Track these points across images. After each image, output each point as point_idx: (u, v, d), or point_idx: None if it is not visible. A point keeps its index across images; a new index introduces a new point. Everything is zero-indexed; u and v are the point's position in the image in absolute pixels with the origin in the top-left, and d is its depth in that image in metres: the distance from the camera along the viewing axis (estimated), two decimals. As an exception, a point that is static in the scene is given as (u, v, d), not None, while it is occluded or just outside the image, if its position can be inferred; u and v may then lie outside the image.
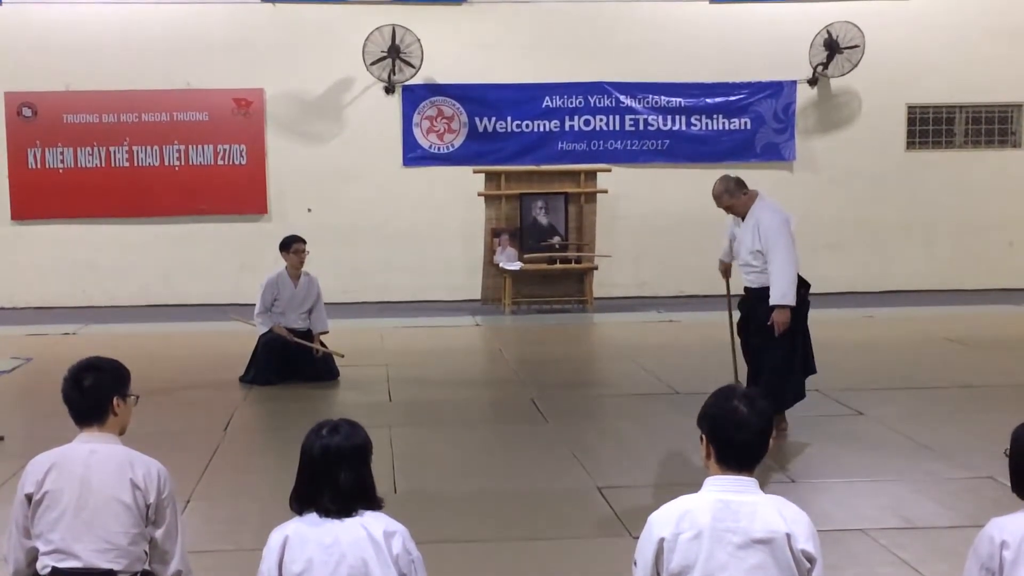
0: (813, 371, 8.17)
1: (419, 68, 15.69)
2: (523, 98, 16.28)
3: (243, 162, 16.09)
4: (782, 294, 7.71)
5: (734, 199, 7.92)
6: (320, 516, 3.44)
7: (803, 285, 7.98)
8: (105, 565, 3.82)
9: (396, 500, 5.91)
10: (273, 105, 16.07)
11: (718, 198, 7.98)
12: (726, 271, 8.58)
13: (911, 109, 16.83)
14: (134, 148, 15.93)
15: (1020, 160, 16.97)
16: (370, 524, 3.43)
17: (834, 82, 16.52)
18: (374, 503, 3.53)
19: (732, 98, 16.48)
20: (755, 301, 7.96)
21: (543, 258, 15.20)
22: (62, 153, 15.85)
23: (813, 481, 6.94)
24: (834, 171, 16.68)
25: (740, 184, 7.96)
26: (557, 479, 7.02)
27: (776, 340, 7.79)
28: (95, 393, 3.97)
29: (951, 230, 16.89)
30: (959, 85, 16.63)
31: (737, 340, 8.42)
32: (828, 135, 16.72)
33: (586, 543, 5.82)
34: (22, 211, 15.87)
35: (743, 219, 7.97)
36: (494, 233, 15.40)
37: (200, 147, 16.01)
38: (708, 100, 16.46)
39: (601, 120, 16.45)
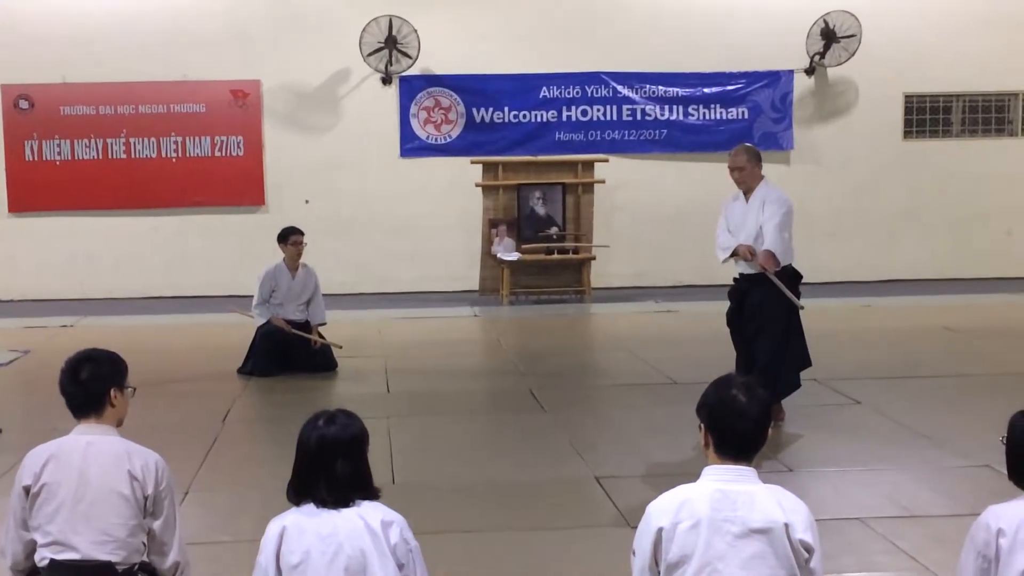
0: (808, 364, 8.16)
1: (416, 59, 15.67)
2: (520, 88, 16.26)
3: (240, 154, 16.07)
4: (774, 245, 7.73)
5: (750, 165, 7.93)
6: (317, 507, 3.45)
7: (795, 277, 8.01)
8: (103, 557, 3.83)
9: (394, 490, 5.92)
10: (270, 96, 16.04)
11: (736, 156, 7.98)
12: (749, 251, 7.91)
13: (908, 98, 16.82)
14: (131, 140, 15.91)
15: (1017, 149, 16.96)
16: (368, 514, 3.44)
17: (831, 71, 16.51)
18: (371, 493, 3.53)
19: (729, 88, 16.46)
20: (749, 286, 7.94)
21: (541, 248, 15.20)
22: (59, 145, 15.82)
23: (811, 470, 6.94)
24: (832, 160, 16.67)
25: (758, 157, 8.04)
26: (555, 469, 7.03)
27: (769, 329, 7.80)
28: (92, 385, 3.97)
29: (949, 219, 16.89)
30: (956, 74, 16.62)
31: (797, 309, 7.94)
32: (826, 125, 16.71)
33: (584, 533, 5.83)
34: (19, 203, 15.85)
35: (747, 197, 7.97)
36: (492, 224, 15.39)
37: (197, 139, 15.99)
38: (706, 90, 16.44)
39: (598, 110, 16.43)
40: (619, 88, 16.37)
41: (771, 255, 7.73)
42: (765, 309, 7.86)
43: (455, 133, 16.29)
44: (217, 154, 16.03)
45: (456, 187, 15.81)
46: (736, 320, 8.13)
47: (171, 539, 3.99)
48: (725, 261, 8.10)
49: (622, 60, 16.28)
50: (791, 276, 7.99)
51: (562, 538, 5.75)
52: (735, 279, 8.12)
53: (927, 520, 5.93)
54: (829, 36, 16.06)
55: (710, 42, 16.26)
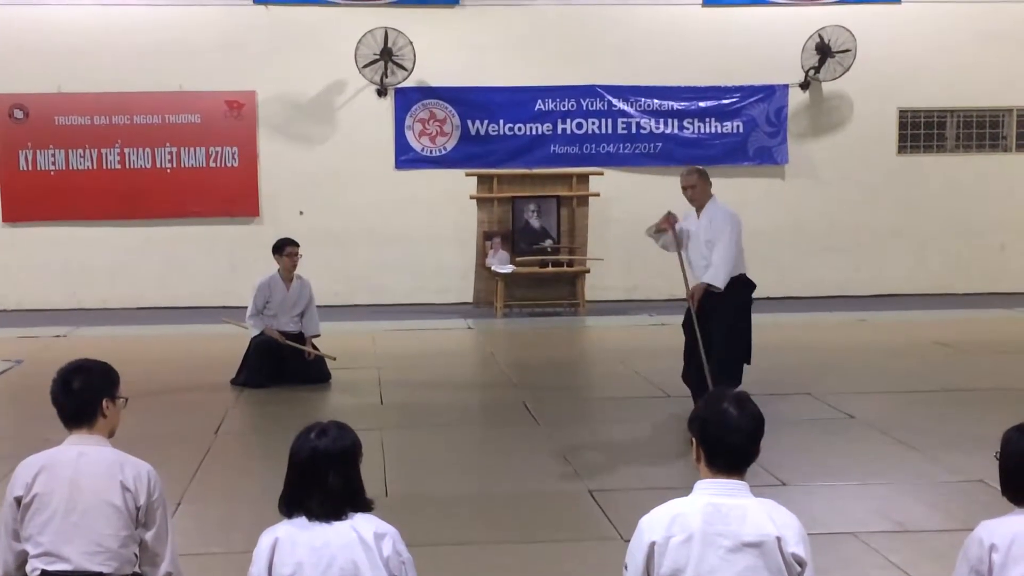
0: (747, 360, 8.73)
1: (411, 71, 15.69)
2: (515, 101, 16.28)
3: (235, 164, 16.07)
4: (715, 276, 8.49)
5: (701, 183, 8.68)
6: (309, 519, 3.44)
7: (748, 286, 8.74)
8: (95, 568, 3.81)
9: (387, 503, 5.90)
10: (265, 107, 16.05)
11: (687, 176, 8.74)
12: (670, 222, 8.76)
13: (902, 113, 16.87)
14: (126, 150, 15.90)
15: (1011, 164, 17.01)
16: (360, 526, 3.43)
17: (826, 86, 16.55)
18: (363, 505, 3.52)
19: (724, 101, 16.49)
20: (704, 295, 8.63)
21: (535, 261, 15.20)
22: (53, 155, 15.81)
23: (803, 484, 6.94)
24: (826, 175, 16.70)
25: (707, 176, 8.79)
26: (548, 482, 7.02)
27: (724, 328, 8.49)
28: (84, 395, 3.96)
29: (942, 234, 16.92)
30: (950, 89, 16.67)
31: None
32: (820, 139, 16.74)
33: (577, 546, 5.82)
34: (13, 213, 15.84)
35: (699, 213, 8.71)
36: (486, 236, 15.40)
37: (192, 149, 15.99)
38: (700, 103, 16.47)
39: (593, 123, 16.45)
40: (614, 101, 16.40)
41: (702, 289, 8.55)
42: (715, 314, 8.55)
43: (450, 145, 16.30)
44: (212, 165, 16.03)
45: (451, 199, 15.81)
46: (689, 323, 8.81)
47: (163, 550, 3.97)
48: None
49: (617, 73, 16.31)
50: (744, 284, 8.69)
51: (555, 551, 5.74)
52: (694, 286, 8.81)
53: (920, 535, 5.92)
54: (824, 51, 16.10)
55: (705, 56, 16.30)
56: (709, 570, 3.23)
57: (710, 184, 8.78)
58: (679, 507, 3.33)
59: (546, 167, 16.09)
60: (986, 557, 3.37)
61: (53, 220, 15.86)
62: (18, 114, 15.70)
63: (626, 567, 3.39)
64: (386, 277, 16.18)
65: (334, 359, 10.53)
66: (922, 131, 16.97)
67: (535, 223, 15.48)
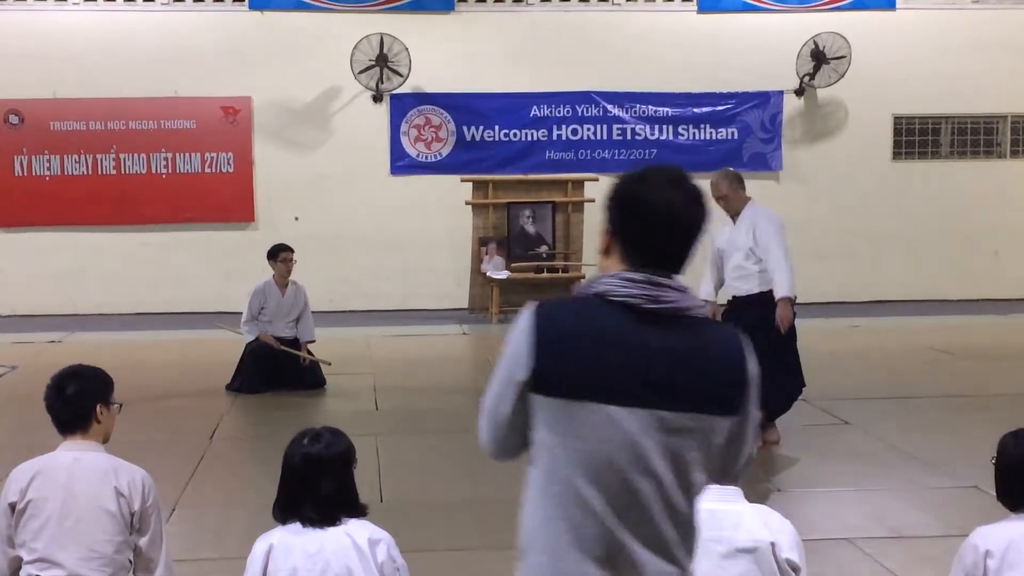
0: (800, 389, 8.06)
1: (407, 77, 15.70)
2: (511, 107, 16.29)
3: (230, 170, 16.06)
4: (786, 285, 7.54)
5: (731, 191, 7.77)
6: (303, 525, 3.44)
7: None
8: (90, 573, 3.81)
9: (382, 508, 5.90)
10: (261, 113, 16.04)
11: (716, 186, 7.67)
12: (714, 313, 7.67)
13: (897, 119, 16.89)
14: (121, 156, 15.88)
15: (1005, 170, 17.03)
16: (355, 532, 3.43)
17: (821, 92, 16.57)
18: (357, 511, 3.52)
19: (719, 108, 16.51)
20: (743, 308, 7.76)
21: (530, 267, 15.20)
22: (49, 161, 15.79)
23: (799, 490, 6.94)
24: (820, 181, 16.71)
25: (740, 180, 7.91)
26: (543, 488, 6.99)
27: (761, 349, 7.61)
28: (78, 401, 3.96)
29: (937, 240, 16.93)
30: (945, 96, 16.69)
31: None
32: (815, 145, 16.76)
33: (572, 552, 5.80)
34: (8, 219, 15.80)
35: (734, 220, 7.85)
36: (481, 242, 15.39)
37: (187, 155, 15.97)
38: (695, 110, 16.49)
39: (589, 129, 16.46)
40: (609, 107, 16.41)
41: (788, 304, 7.54)
42: (759, 333, 7.67)
43: (445, 151, 16.30)
44: (207, 170, 16.01)
45: (446, 205, 15.80)
46: None
47: (157, 556, 3.97)
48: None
49: (612, 79, 16.32)
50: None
51: (550, 557, 5.72)
52: (729, 301, 8.00)
53: (915, 540, 5.92)
54: (819, 57, 16.12)
55: (700, 62, 16.30)
56: (703, 576, 3.23)
57: (744, 187, 7.86)
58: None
59: (541, 173, 16.07)
60: (981, 563, 3.38)
61: (48, 226, 15.83)
62: (13, 119, 15.68)
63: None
64: (381, 283, 16.17)
65: (329, 364, 10.52)
66: (916, 137, 16.99)
67: (530, 229, 15.47)
